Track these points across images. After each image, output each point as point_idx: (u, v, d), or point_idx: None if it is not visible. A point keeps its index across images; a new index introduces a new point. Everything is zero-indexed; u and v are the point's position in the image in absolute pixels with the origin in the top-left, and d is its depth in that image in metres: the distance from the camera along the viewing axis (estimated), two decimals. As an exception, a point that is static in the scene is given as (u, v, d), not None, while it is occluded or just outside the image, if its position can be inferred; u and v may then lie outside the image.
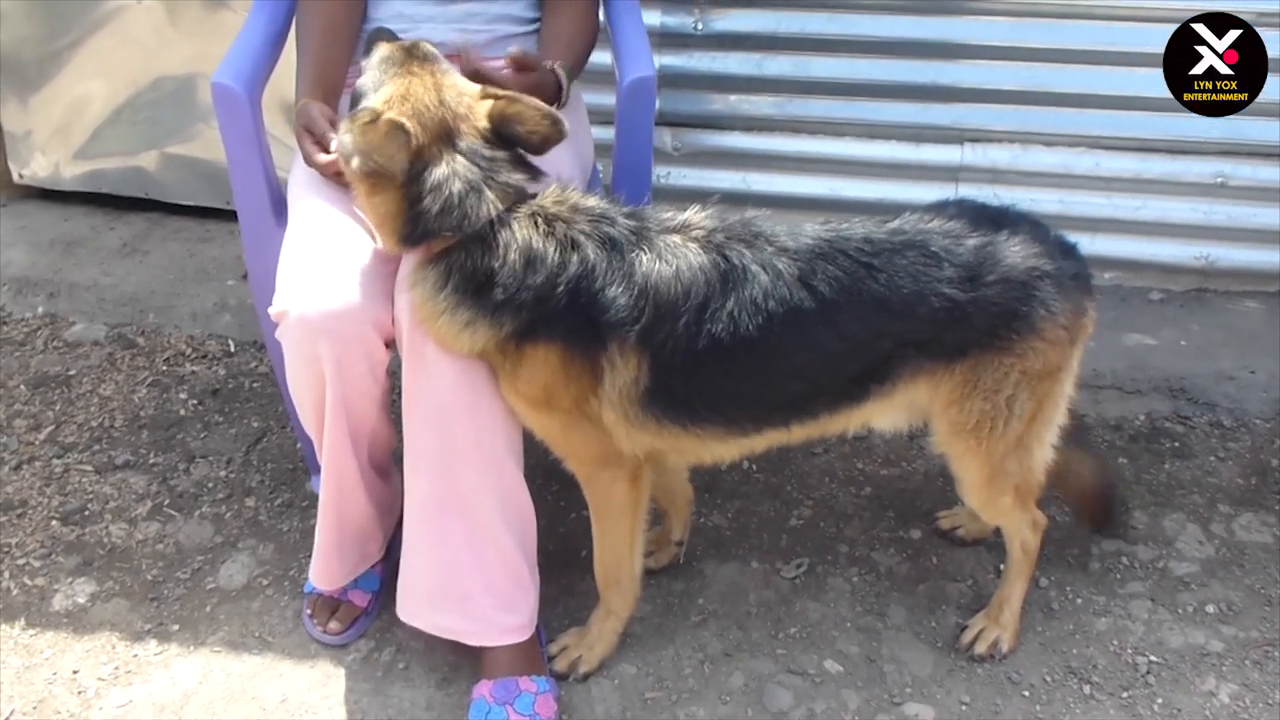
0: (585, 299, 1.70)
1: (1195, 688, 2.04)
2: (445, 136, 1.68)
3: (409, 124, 1.65)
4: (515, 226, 1.71)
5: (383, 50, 1.78)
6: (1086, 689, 2.04)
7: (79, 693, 2.04)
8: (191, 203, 3.35)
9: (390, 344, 1.87)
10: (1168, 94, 2.77)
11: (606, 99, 2.30)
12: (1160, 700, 2.02)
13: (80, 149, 3.34)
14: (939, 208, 1.87)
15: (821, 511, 2.43)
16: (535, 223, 1.72)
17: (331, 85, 2.01)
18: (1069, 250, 1.88)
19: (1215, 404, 2.69)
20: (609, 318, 1.71)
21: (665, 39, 2.93)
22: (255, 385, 2.80)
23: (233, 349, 2.92)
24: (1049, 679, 2.06)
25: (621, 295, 1.70)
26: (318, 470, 2.22)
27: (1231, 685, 2.03)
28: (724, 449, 1.94)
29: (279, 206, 2.11)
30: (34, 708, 2.01)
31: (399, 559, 1.99)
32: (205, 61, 2.89)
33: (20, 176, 3.42)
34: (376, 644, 2.13)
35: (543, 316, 1.71)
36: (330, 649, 2.11)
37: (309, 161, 1.89)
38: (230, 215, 2.72)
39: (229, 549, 2.33)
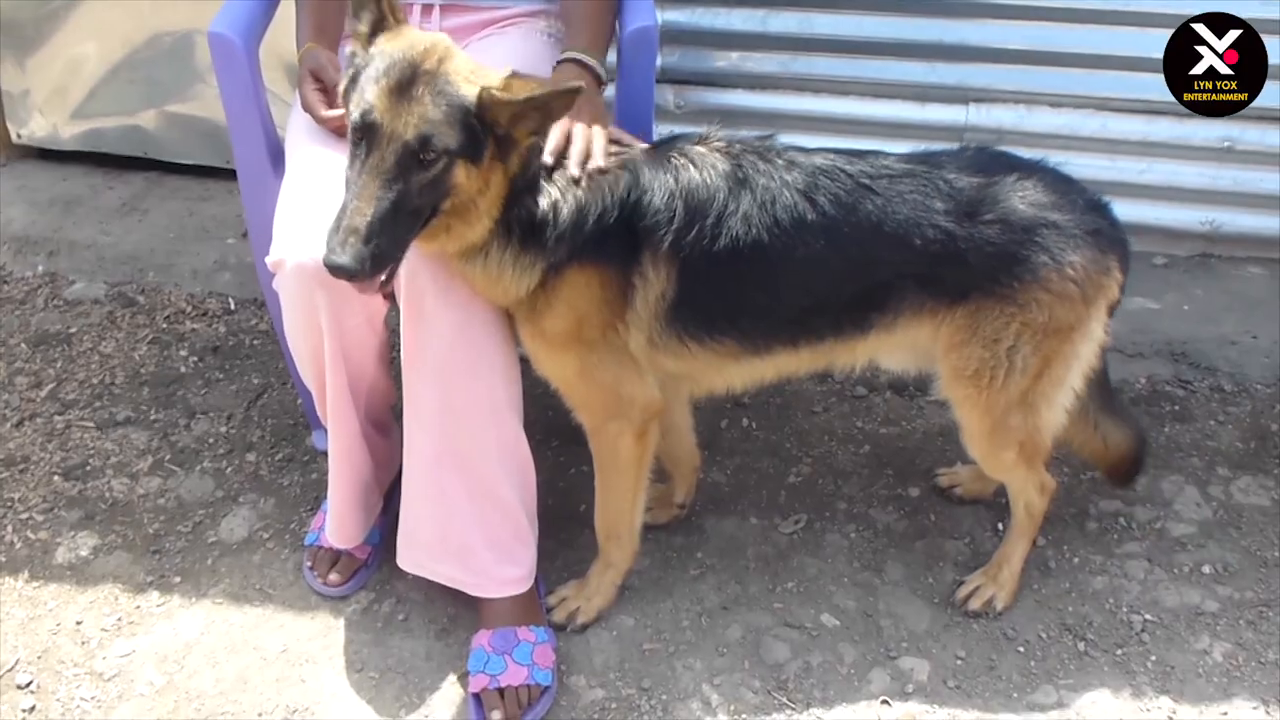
0: (630, 210, 1.75)
1: (1189, 646, 2.05)
2: None
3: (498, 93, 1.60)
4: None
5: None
6: (1081, 645, 2.05)
7: (82, 643, 2.06)
8: (191, 161, 3.33)
9: (388, 295, 1.87)
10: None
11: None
12: (1154, 658, 2.03)
13: (78, 108, 3.32)
14: (959, 150, 1.87)
15: (820, 469, 2.43)
16: None
17: (333, 34, 1.99)
18: (1095, 206, 1.87)
19: (1216, 368, 2.69)
20: (647, 223, 1.75)
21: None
22: (255, 342, 2.80)
23: (233, 306, 2.92)
24: (1044, 635, 2.07)
25: (659, 199, 1.76)
26: (318, 425, 2.24)
27: (1225, 644, 2.05)
28: (736, 371, 1.97)
29: (277, 158, 2.10)
30: (38, 657, 2.03)
31: (398, 512, 2.00)
32: (203, 19, 2.81)
33: (19, 136, 3.40)
34: (376, 596, 2.14)
35: (589, 240, 1.74)
36: (330, 600, 2.13)
37: (309, 110, 1.87)
38: (230, 174, 2.71)
39: (230, 503, 2.34)
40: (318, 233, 1.76)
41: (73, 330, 2.81)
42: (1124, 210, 2.96)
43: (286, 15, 2.18)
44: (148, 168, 3.36)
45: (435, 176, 1.58)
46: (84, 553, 2.22)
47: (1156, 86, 2.80)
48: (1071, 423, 2.03)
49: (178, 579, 2.18)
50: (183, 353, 2.76)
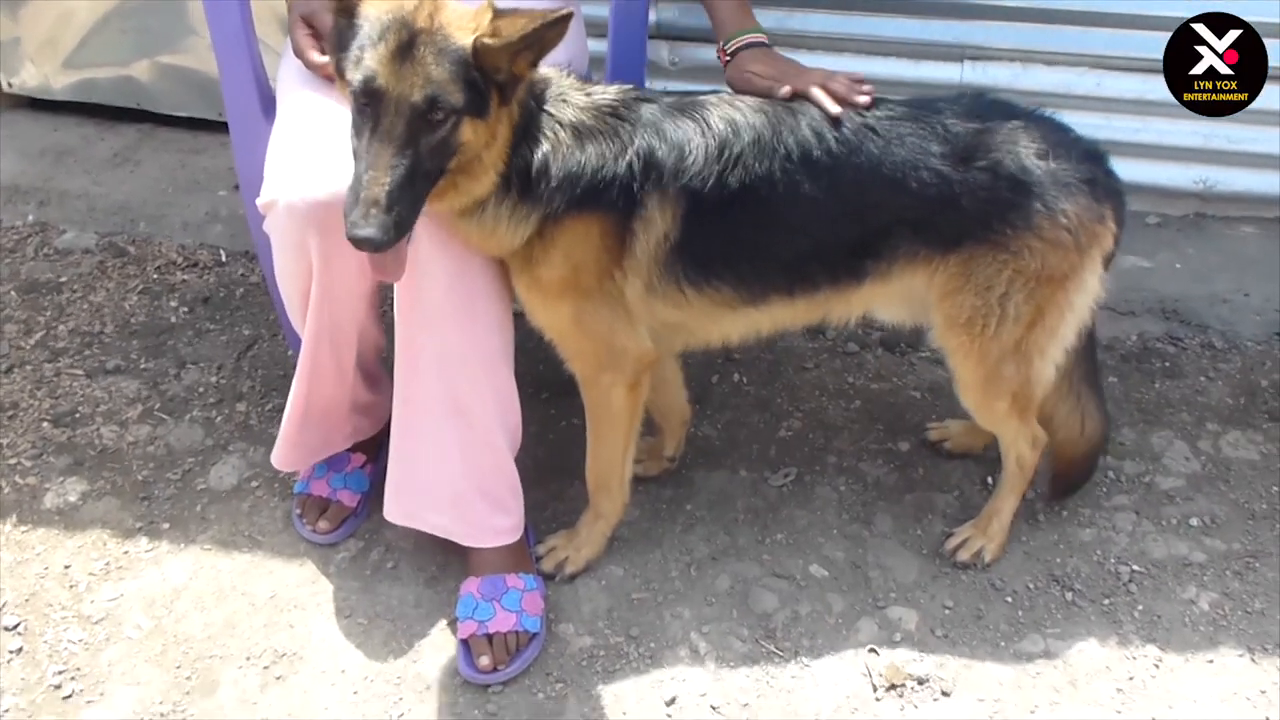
0: (644, 158, 1.74)
1: (1176, 595, 2.06)
2: None
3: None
4: (555, 109, 1.73)
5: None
6: (1069, 596, 2.06)
7: (70, 587, 2.06)
8: (183, 113, 3.30)
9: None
10: (1173, 13, 2.72)
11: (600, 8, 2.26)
12: (1141, 607, 2.04)
13: (70, 58, 3.28)
14: (958, 97, 1.86)
15: (811, 424, 2.44)
16: (570, 101, 1.75)
17: None
18: (1092, 155, 1.87)
19: (1207, 326, 2.69)
20: (657, 168, 1.75)
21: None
22: (246, 294, 2.79)
23: (224, 259, 2.90)
24: (1032, 586, 2.08)
25: (683, 143, 1.76)
26: None
27: (1211, 594, 2.06)
28: (732, 322, 1.97)
29: (268, 106, 2.09)
30: (26, 600, 2.03)
31: (386, 464, 2.00)
32: None
33: (9, 86, 3.36)
34: (365, 544, 2.14)
35: (592, 186, 1.73)
36: (319, 548, 2.13)
37: (301, 55, 1.85)
38: (222, 126, 2.67)
39: (219, 451, 2.34)
40: (310, 173, 1.77)
41: (63, 279, 2.80)
42: (1119, 169, 2.97)
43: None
44: (140, 119, 3.34)
45: (444, 137, 1.57)
46: (73, 498, 2.22)
47: (1151, 44, 2.79)
48: (1056, 394, 2.04)
49: (166, 525, 2.18)
50: (173, 303, 2.75)
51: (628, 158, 1.74)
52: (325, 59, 1.80)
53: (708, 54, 2.97)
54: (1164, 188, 2.97)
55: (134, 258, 2.89)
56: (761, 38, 1.99)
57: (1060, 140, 1.85)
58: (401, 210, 1.52)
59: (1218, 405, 2.47)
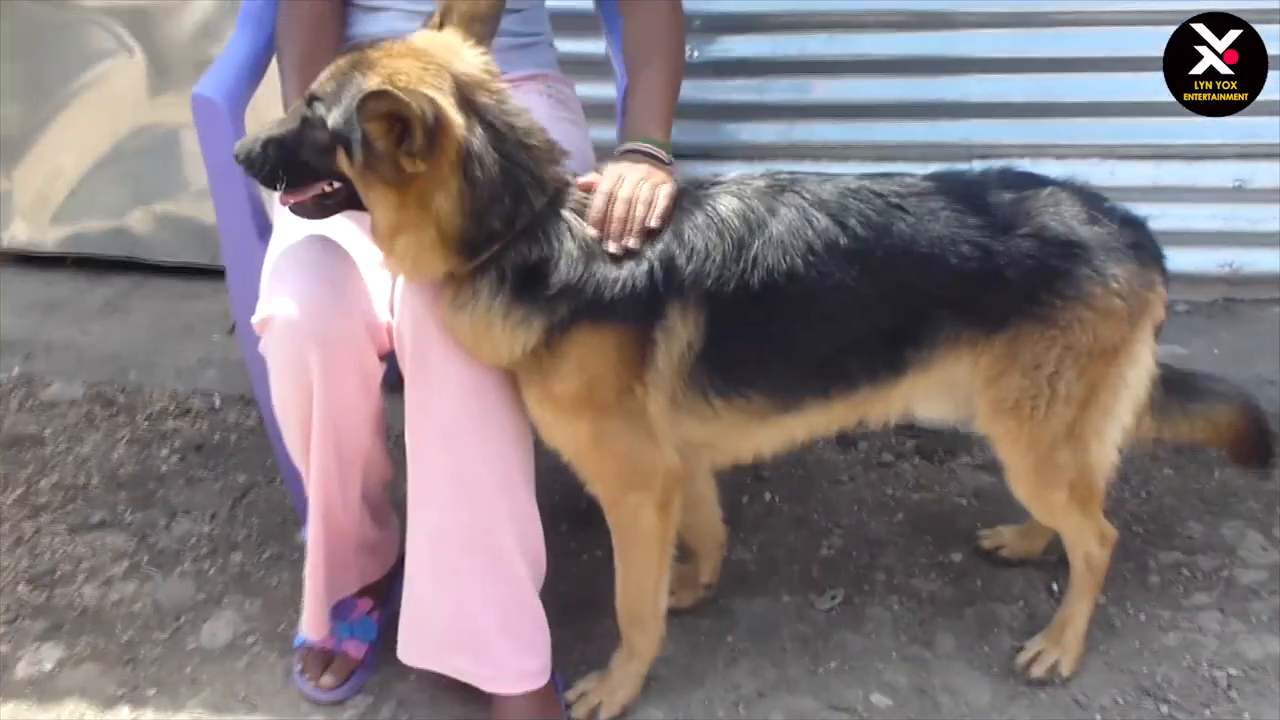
0: (656, 269, 1.61)
1: (1283, 700, 1.85)
2: (469, 110, 1.53)
3: (433, 95, 1.48)
4: (564, 213, 1.61)
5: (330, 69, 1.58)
6: (1164, 709, 1.86)
7: (44, 767, 1.84)
8: (175, 261, 3.22)
9: (384, 357, 1.72)
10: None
11: (605, 90, 2.20)
12: (1248, 715, 1.84)
13: (59, 211, 3.22)
14: (985, 169, 1.77)
15: (853, 540, 2.26)
16: (583, 204, 1.63)
17: None
18: (1131, 220, 1.77)
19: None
20: (678, 273, 1.62)
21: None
22: (241, 439, 2.64)
23: (218, 404, 2.76)
24: (1120, 700, 1.88)
25: (697, 243, 1.63)
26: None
27: (1322, 697, 1.85)
28: (764, 433, 1.81)
29: (264, 230, 1.99)
30: (-7, 787, 1.81)
31: (399, 608, 1.81)
32: (184, 116, 2.82)
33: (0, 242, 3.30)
34: (375, 699, 1.93)
35: (601, 295, 1.59)
36: (324, 707, 1.92)
37: None
38: (216, 273, 2.60)
39: (212, 606, 2.15)
40: (307, 285, 1.64)
41: (47, 431, 2.65)
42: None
43: (272, 84, 2.10)
44: (132, 269, 3.25)
45: (320, 144, 1.55)
46: (48, 666, 2.01)
47: (1163, 131, 2.78)
48: (1167, 424, 1.90)
49: (152, 690, 1.96)
50: (164, 452, 2.59)
51: (644, 265, 1.61)
52: None
53: (711, 170, 2.93)
54: (1190, 274, 2.86)
55: (123, 406, 2.75)
56: (642, 147, 1.77)
57: (1098, 204, 1.75)
58: (270, 156, 1.59)
59: (1286, 492, 2.31)
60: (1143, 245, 1.75)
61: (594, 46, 2.15)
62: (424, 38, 1.62)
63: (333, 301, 1.63)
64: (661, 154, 1.77)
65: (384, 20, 1.99)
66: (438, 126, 1.46)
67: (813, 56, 2.81)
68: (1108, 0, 2.68)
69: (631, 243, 1.61)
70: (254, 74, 2.04)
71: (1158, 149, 2.79)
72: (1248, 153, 2.78)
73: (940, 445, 2.49)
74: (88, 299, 3.16)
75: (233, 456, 2.57)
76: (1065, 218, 1.70)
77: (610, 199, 1.63)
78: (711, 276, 1.63)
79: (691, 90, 2.83)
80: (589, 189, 1.66)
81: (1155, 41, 2.57)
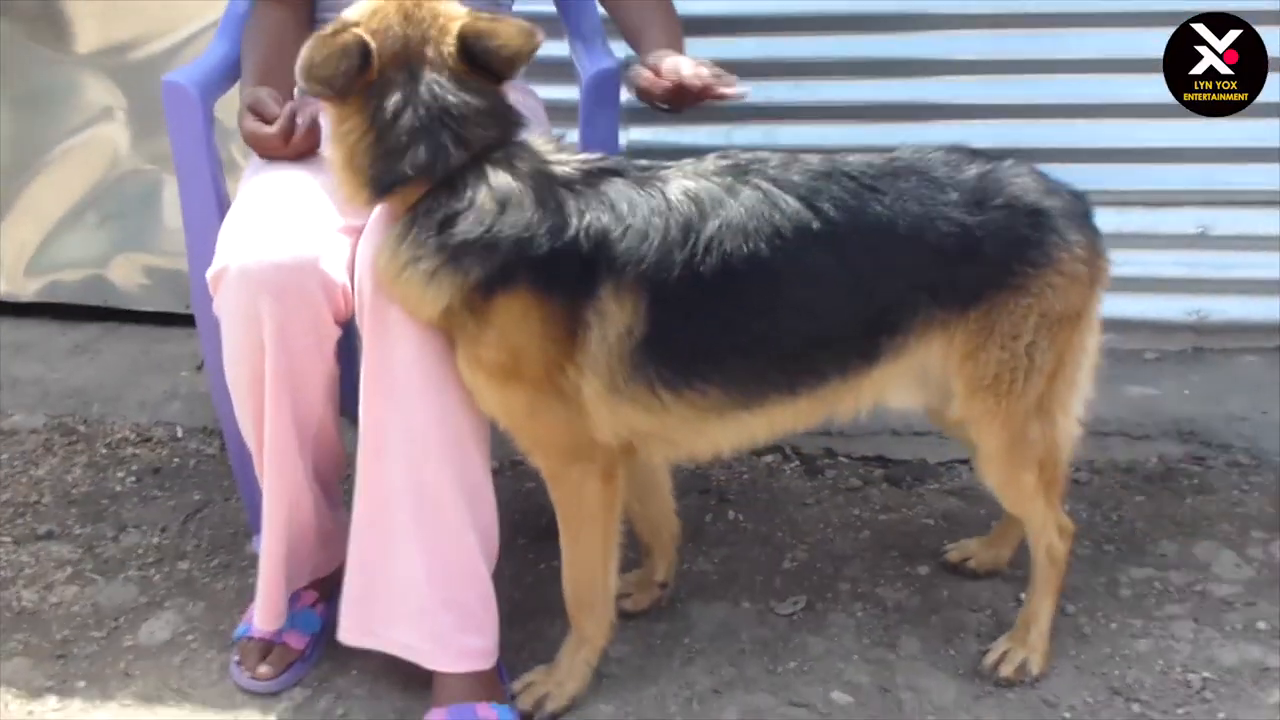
0: (594, 238, 1.56)
1: (1261, 701, 1.78)
2: (405, 61, 1.55)
3: (370, 40, 1.53)
4: (490, 170, 1.58)
5: None
6: (1136, 708, 1.78)
7: (-42, 756, 1.74)
8: (149, 308, 3.23)
9: (341, 325, 1.71)
10: (1142, 144, 2.77)
11: (567, 93, 2.25)
12: (1223, 714, 1.76)
13: (41, 260, 3.25)
14: (935, 147, 1.76)
15: (818, 554, 2.20)
16: (514, 165, 1.59)
17: (279, 85, 1.93)
18: (1075, 192, 1.78)
19: (1230, 444, 2.51)
20: (611, 251, 1.56)
21: (633, 114, 2.92)
22: (200, 464, 2.59)
23: (180, 434, 2.71)
24: (1091, 700, 1.80)
25: (634, 220, 1.58)
26: (260, 529, 1.96)
27: (1301, 697, 1.77)
28: (721, 430, 1.73)
29: (225, 210, 2.00)
30: (-97, 775, 1.71)
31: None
32: (162, 159, 2.89)
33: (-22, 294, 3.31)
34: (313, 692, 1.85)
35: (521, 261, 1.55)
36: (259, 698, 1.84)
37: (249, 135, 1.78)
38: (188, 319, 2.59)
39: (154, 608, 2.07)
40: (266, 236, 1.64)
41: (3, 456, 2.60)
42: (1108, 305, 2.91)
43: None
44: (105, 316, 3.26)
45: None
46: (-25, 660, 1.93)
47: (1124, 176, 2.84)
48: None
49: (82, 683, 1.88)
50: (120, 474, 2.54)
51: (569, 234, 1.55)
52: (274, 128, 1.74)
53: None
54: (1156, 321, 2.89)
55: (83, 435, 2.70)
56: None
57: (1048, 179, 1.77)
58: None
59: (1260, 515, 2.26)
60: (1089, 214, 1.77)
61: (556, 49, 2.20)
62: None
63: (288, 254, 1.62)
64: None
65: None
66: (358, 63, 1.52)
67: (780, 103, 2.84)
68: (1058, 48, 2.75)
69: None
70: (226, 75, 2.08)
71: (1119, 195, 2.83)
72: (1210, 199, 2.83)
73: (909, 473, 2.46)
74: (57, 342, 3.16)
75: (191, 478, 2.52)
76: (1030, 187, 1.70)
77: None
78: (650, 259, 1.57)
79: (661, 135, 2.93)
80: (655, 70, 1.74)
81: (1118, 89, 2.70)
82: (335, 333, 1.70)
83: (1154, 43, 2.59)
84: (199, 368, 2.90)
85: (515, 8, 2.23)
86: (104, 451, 2.64)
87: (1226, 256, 2.85)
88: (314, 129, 1.78)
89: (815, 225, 1.62)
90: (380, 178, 1.56)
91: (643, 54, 1.91)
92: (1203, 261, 2.86)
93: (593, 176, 1.62)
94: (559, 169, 1.62)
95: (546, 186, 1.58)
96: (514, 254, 1.55)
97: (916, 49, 2.80)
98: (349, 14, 1.59)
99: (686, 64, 1.73)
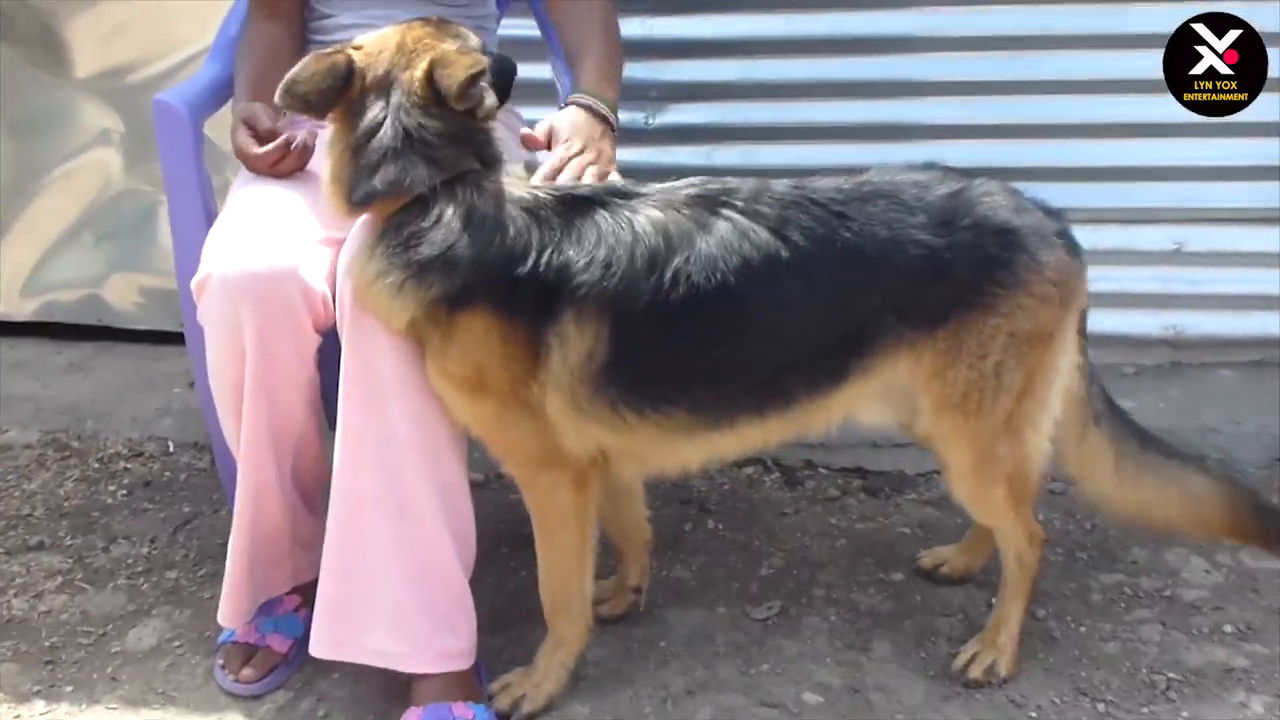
0: (554, 265, 1.60)
1: (1225, 700, 1.81)
2: (385, 86, 1.61)
3: (359, 62, 1.61)
4: (460, 192, 1.62)
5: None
6: (1100, 707, 1.81)
7: (-55, 758, 1.77)
8: (143, 326, 3.28)
9: (321, 333, 1.76)
10: (1118, 163, 2.82)
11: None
12: (1186, 713, 1.79)
13: (37, 281, 3.31)
14: (908, 166, 1.78)
15: (794, 561, 2.23)
16: (484, 189, 1.63)
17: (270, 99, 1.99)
18: (1051, 211, 1.79)
19: (1204, 455, 2.55)
20: (572, 281, 1.59)
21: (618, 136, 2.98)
22: (191, 478, 2.63)
23: (171, 449, 2.76)
24: (1057, 700, 1.83)
25: (596, 250, 1.61)
26: None
27: (1264, 697, 1.81)
28: (689, 449, 1.76)
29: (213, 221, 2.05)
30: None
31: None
32: (162, 188, 2.93)
33: (-24, 316, 3.36)
34: (295, 694, 1.89)
35: (481, 281, 1.60)
36: (242, 700, 1.87)
37: (241, 151, 1.84)
38: (182, 337, 2.63)
39: (141, 616, 2.11)
40: (248, 246, 1.70)
41: (-4, 471, 2.65)
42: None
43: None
44: (99, 335, 3.31)
45: None
46: (-37, 666, 1.97)
47: (1100, 194, 2.89)
48: (1144, 491, 1.87)
49: (70, 688, 1.92)
50: (111, 487, 2.58)
51: (530, 261, 1.59)
52: (266, 148, 1.80)
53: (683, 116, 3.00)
54: (1133, 336, 2.93)
55: (76, 450, 2.75)
56: (593, 104, 1.87)
57: (1018, 196, 1.80)
58: None
59: (1230, 523, 2.29)
60: (1066, 234, 1.78)
61: (539, 72, 2.26)
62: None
63: (268, 263, 1.68)
64: (609, 114, 1.84)
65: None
66: (339, 84, 1.60)
67: (760, 124, 2.90)
68: (1033, 70, 2.81)
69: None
70: (216, 96, 2.14)
71: (1095, 213, 2.88)
72: (1185, 216, 2.88)
73: (887, 484, 2.50)
74: (53, 359, 3.21)
75: (181, 491, 2.57)
76: (999, 207, 1.72)
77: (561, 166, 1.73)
78: (612, 289, 1.60)
79: (645, 155, 2.97)
80: (532, 142, 1.77)
81: (1093, 109, 2.76)
82: (315, 340, 1.75)
83: (1128, 63, 2.68)
84: (191, 385, 2.94)
85: (500, 31, 2.30)
86: (96, 466, 2.69)
87: (1202, 272, 2.89)
88: (303, 151, 1.85)
89: (784, 254, 1.64)
90: (355, 192, 1.62)
91: (577, 80, 1.97)
92: (1178, 277, 2.90)
93: (563, 205, 1.66)
94: (530, 196, 1.66)
95: (515, 212, 1.63)
96: (473, 274, 1.59)
97: (894, 71, 2.86)
98: (360, 39, 1.66)
99: (568, 169, 1.78)
